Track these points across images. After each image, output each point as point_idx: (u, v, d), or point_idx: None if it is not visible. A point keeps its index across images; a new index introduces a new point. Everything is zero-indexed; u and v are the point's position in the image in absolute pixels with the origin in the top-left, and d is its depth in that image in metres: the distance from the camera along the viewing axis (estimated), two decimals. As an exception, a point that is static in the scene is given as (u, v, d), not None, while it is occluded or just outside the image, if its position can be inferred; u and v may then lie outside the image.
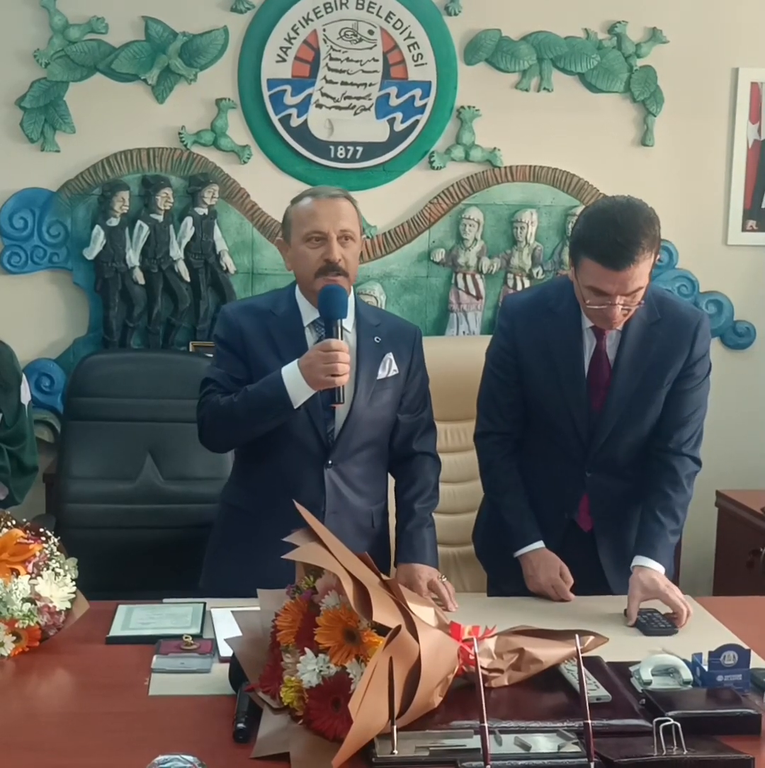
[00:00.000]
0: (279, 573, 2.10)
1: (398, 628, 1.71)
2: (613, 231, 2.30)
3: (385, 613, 1.72)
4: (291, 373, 2.41)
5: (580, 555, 2.58)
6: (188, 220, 3.93)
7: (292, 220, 2.53)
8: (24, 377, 3.01)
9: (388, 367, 2.57)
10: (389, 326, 2.64)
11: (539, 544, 2.57)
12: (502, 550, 2.67)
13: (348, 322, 2.52)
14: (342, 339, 2.41)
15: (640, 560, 2.49)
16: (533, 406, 2.63)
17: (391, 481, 2.73)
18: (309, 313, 2.54)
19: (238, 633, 1.98)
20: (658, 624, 2.32)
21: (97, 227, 3.90)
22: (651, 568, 2.47)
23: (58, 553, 2.19)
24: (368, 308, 2.70)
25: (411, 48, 3.98)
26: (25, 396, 2.98)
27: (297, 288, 2.58)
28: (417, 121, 4.02)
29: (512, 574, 2.62)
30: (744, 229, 4.20)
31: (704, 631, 2.29)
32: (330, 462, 2.53)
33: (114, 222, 3.90)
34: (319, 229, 2.47)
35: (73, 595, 2.16)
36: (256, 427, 2.50)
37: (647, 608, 2.39)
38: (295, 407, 2.42)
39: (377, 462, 2.63)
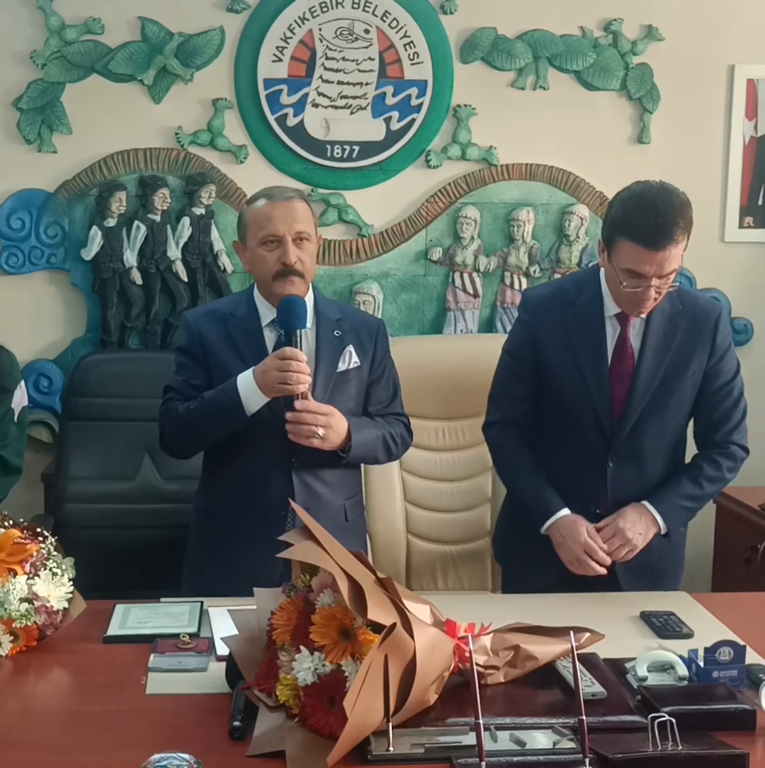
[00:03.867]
0: (256, 572, 2.12)
1: (393, 625, 1.71)
2: (652, 213, 2.35)
3: (380, 611, 1.72)
4: (246, 380, 2.46)
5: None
6: (185, 220, 3.93)
7: (248, 222, 2.56)
8: (22, 383, 3.00)
9: (348, 360, 2.60)
10: (351, 320, 2.67)
11: (563, 512, 2.54)
12: (523, 549, 2.67)
13: (307, 319, 2.55)
14: (301, 349, 2.44)
15: (646, 504, 2.53)
16: (554, 400, 2.62)
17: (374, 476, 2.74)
18: (267, 313, 2.57)
19: (235, 632, 1.99)
20: (674, 628, 2.30)
21: (95, 228, 3.90)
22: (650, 513, 2.52)
23: (55, 552, 2.20)
24: (329, 303, 2.72)
25: (407, 47, 3.98)
26: (19, 401, 2.97)
27: (256, 289, 2.60)
28: (413, 120, 4.02)
29: (533, 573, 2.62)
30: (741, 226, 4.20)
31: (701, 628, 2.29)
32: (294, 460, 2.54)
33: (111, 222, 3.90)
34: (275, 232, 2.49)
35: (71, 595, 2.16)
36: (212, 433, 2.54)
37: (663, 611, 2.38)
38: (249, 414, 2.46)
39: None
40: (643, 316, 2.50)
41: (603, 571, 2.50)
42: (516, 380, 2.66)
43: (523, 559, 2.68)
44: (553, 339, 2.58)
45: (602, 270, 2.54)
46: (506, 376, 2.69)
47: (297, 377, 2.40)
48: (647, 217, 2.36)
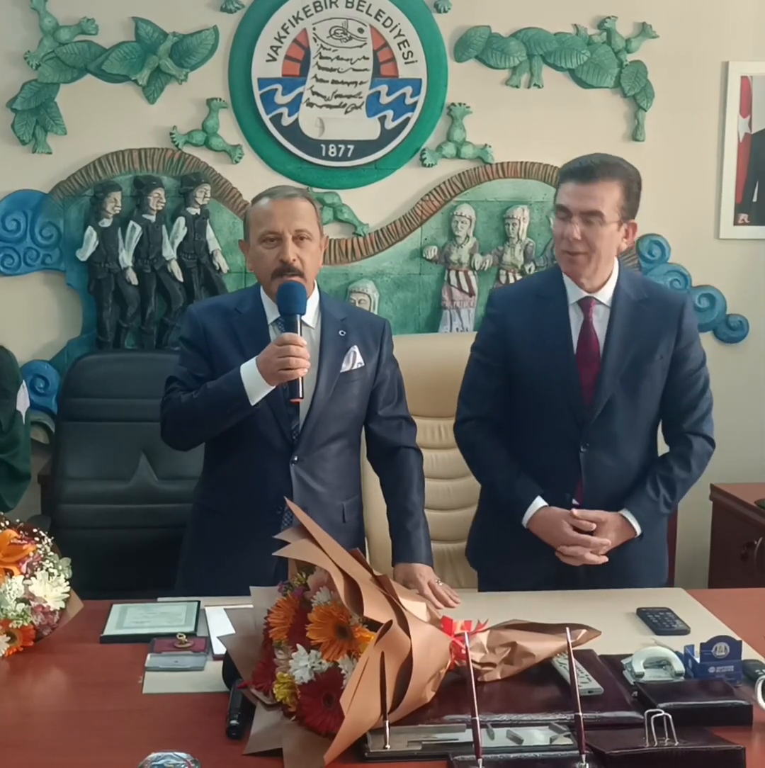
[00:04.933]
0: (252, 570, 2.12)
1: (389, 623, 1.72)
2: (582, 158, 2.58)
3: (376, 609, 1.72)
4: (249, 369, 2.43)
5: None
6: (181, 220, 3.93)
7: (250, 220, 2.55)
8: (24, 384, 3.00)
9: (352, 360, 2.58)
10: (356, 320, 2.66)
11: (537, 503, 2.59)
12: (496, 548, 2.70)
13: (310, 317, 2.55)
14: (300, 334, 2.42)
15: (626, 513, 2.57)
16: (525, 389, 2.65)
17: (374, 476, 2.74)
18: (272, 311, 2.55)
19: (232, 630, 1.99)
20: (670, 624, 2.30)
21: (90, 228, 3.90)
22: (632, 526, 2.56)
23: (51, 553, 2.20)
24: (335, 303, 2.72)
25: (401, 46, 3.98)
26: (23, 403, 2.97)
27: (262, 287, 2.60)
28: (408, 119, 4.02)
29: (508, 571, 2.63)
30: (736, 223, 4.20)
31: (697, 624, 2.30)
32: (295, 458, 2.54)
33: (106, 223, 3.90)
34: (274, 229, 2.48)
35: (67, 595, 2.16)
36: (215, 424, 2.52)
37: (659, 607, 2.39)
38: (253, 403, 2.44)
39: (347, 456, 2.64)
40: (577, 272, 2.56)
41: (602, 559, 2.55)
42: (486, 374, 2.70)
43: (507, 558, 2.68)
44: (521, 329, 2.64)
45: None
46: (476, 371, 2.73)
47: (297, 361, 2.37)
48: (578, 160, 2.58)
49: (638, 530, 2.58)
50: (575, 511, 2.56)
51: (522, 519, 2.60)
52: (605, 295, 2.62)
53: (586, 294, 2.61)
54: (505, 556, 2.67)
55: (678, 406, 2.66)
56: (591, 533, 2.55)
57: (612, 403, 2.59)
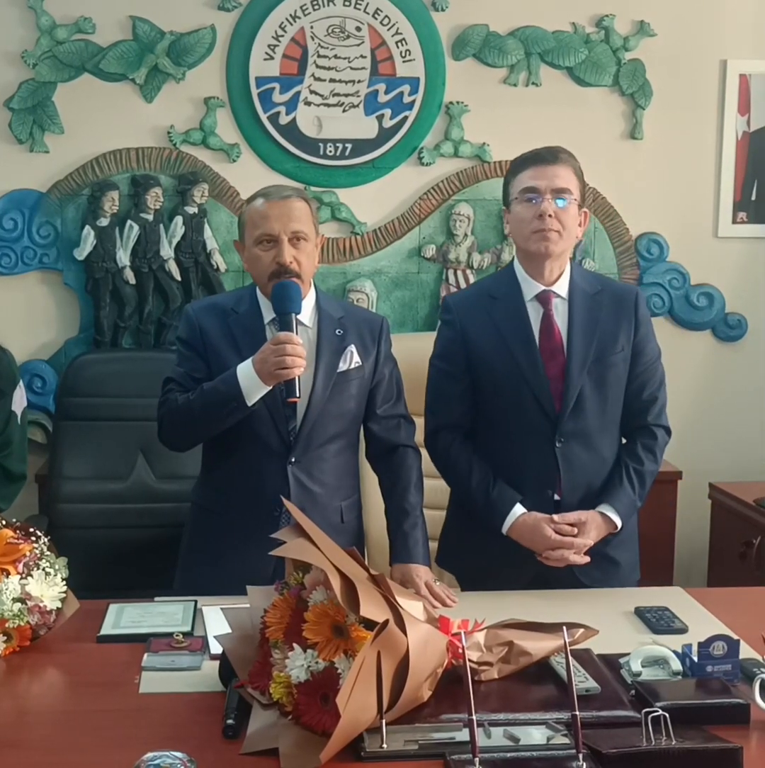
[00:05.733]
0: (250, 570, 2.11)
1: (386, 622, 1.71)
2: (538, 148, 2.62)
3: (372, 608, 1.72)
4: (245, 369, 2.42)
5: None
6: (178, 219, 3.93)
7: (245, 221, 2.53)
8: (21, 384, 2.99)
9: (350, 360, 2.57)
10: (353, 318, 2.64)
11: (516, 510, 2.57)
12: (467, 550, 2.70)
13: (307, 317, 2.55)
14: (297, 333, 2.41)
15: (606, 509, 2.58)
16: (492, 391, 2.64)
17: (372, 476, 2.73)
18: (269, 311, 2.53)
19: (228, 630, 1.98)
20: (668, 623, 2.29)
21: (87, 227, 3.89)
22: (614, 522, 2.57)
23: (48, 552, 2.20)
24: (332, 302, 2.70)
25: (399, 44, 3.98)
26: (20, 403, 2.96)
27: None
28: (406, 118, 4.02)
29: (483, 570, 2.63)
30: (734, 222, 4.20)
31: (695, 622, 2.29)
32: (293, 459, 2.53)
33: (104, 222, 3.90)
34: (270, 231, 2.46)
35: (64, 595, 2.16)
36: (212, 424, 2.50)
37: (657, 606, 2.38)
38: (250, 404, 2.42)
39: (346, 456, 2.63)
40: (551, 250, 2.56)
41: (584, 559, 2.54)
42: (449, 381, 2.68)
43: (484, 562, 2.67)
44: (480, 330, 2.63)
45: (516, 261, 2.65)
46: (438, 380, 2.71)
47: (293, 360, 2.36)
48: (533, 151, 2.62)
49: (619, 524, 2.57)
50: (555, 516, 2.54)
51: (502, 527, 2.57)
52: (562, 288, 2.62)
53: (543, 288, 2.61)
54: (482, 561, 2.65)
55: (640, 398, 2.66)
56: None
57: (582, 395, 2.58)
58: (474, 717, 1.66)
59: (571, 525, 2.54)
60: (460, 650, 1.78)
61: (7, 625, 2.08)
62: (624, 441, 2.70)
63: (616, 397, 2.64)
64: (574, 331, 2.60)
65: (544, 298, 2.61)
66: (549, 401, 2.58)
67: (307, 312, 2.55)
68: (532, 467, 2.61)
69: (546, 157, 2.56)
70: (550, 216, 2.52)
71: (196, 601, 2.36)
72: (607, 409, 2.63)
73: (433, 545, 2.74)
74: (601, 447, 2.63)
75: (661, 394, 2.69)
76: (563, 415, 2.58)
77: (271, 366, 2.37)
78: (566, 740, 1.73)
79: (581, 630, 2.09)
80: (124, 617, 2.28)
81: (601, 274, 2.90)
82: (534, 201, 2.53)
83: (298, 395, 2.42)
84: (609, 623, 2.25)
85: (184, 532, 2.71)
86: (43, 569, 2.15)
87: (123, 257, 3.91)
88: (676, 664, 1.99)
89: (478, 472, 2.63)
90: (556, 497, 2.60)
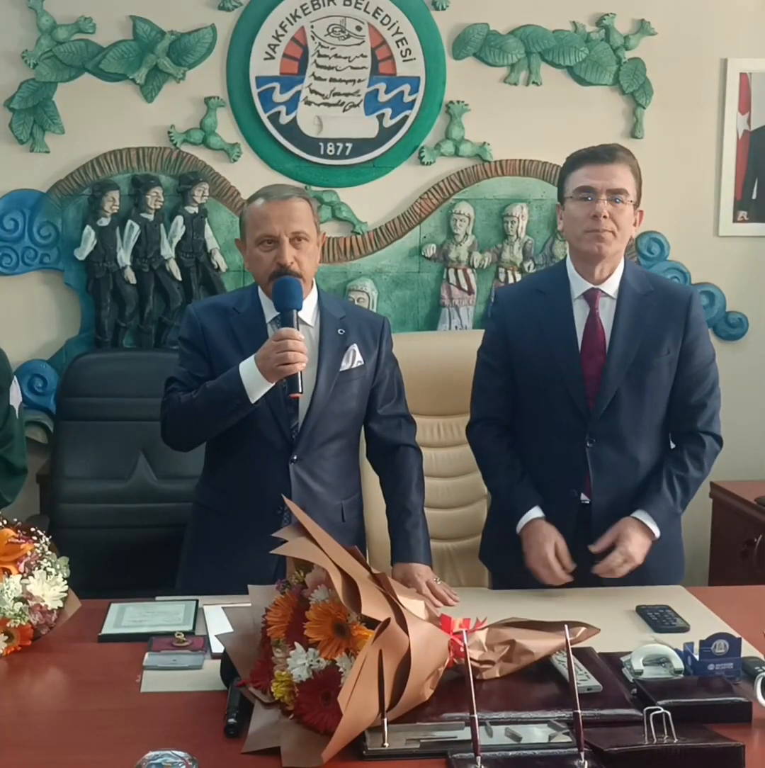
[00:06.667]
0: (252, 570, 2.11)
1: (387, 621, 1.71)
2: (594, 147, 2.59)
3: (374, 607, 1.72)
4: (248, 366, 2.42)
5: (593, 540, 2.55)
6: (179, 219, 3.93)
7: (246, 221, 2.53)
8: (15, 379, 3.00)
9: (352, 359, 2.57)
10: (355, 318, 2.64)
11: (533, 513, 2.57)
12: (506, 548, 2.67)
13: (309, 316, 2.55)
14: (298, 329, 2.41)
15: (641, 515, 2.53)
16: (528, 385, 2.64)
17: (373, 476, 2.74)
18: (271, 309, 2.53)
19: (230, 629, 1.98)
20: (669, 621, 2.29)
21: (88, 227, 3.89)
22: (651, 530, 2.53)
23: (49, 552, 2.20)
24: (334, 301, 2.70)
25: (399, 43, 3.98)
26: (16, 398, 2.97)
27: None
28: (406, 117, 4.01)
29: (518, 570, 2.61)
30: (735, 220, 4.20)
31: (696, 621, 2.29)
32: (295, 457, 2.53)
33: (104, 222, 3.89)
34: (270, 232, 2.46)
35: (65, 594, 2.16)
36: (215, 422, 2.50)
37: (659, 604, 2.38)
38: (253, 401, 2.42)
39: (347, 455, 2.63)
40: (604, 251, 2.53)
41: (567, 579, 2.51)
42: (491, 374, 2.70)
43: (514, 560, 2.67)
44: (523, 326, 2.63)
45: (568, 258, 2.63)
46: (481, 373, 2.73)
47: (295, 356, 2.36)
48: (590, 148, 2.59)
49: (655, 530, 2.53)
50: (591, 547, 2.50)
51: (517, 526, 2.58)
52: (611, 286, 2.60)
53: (591, 286, 2.59)
54: (517, 558, 2.63)
55: (687, 403, 2.62)
56: (612, 547, 2.51)
57: (617, 397, 2.56)
58: (476, 715, 1.66)
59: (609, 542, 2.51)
60: (462, 649, 1.78)
61: (8, 624, 2.09)
62: (672, 446, 2.67)
63: (655, 401, 2.60)
64: (618, 331, 2.57)
65: (590, 296, 2.59)
66: (583, 400, 2.56)
67: (309, 311, 2.55)
68: (561, 466, 2.59)
69: (603, 155, 2.54)
70: (604, 217, 2.49)
71: (197, 601, 2.36)
72: (643, 412, 2.59)
73: (434, 544, 2.75)
74: (635, 450, 2.60)
75: (710, 400, 2.63)
76: (596, 415, 2.56)
77: (274, 362, 2.37)
78: (568, 739, 1.73)
79: (583, 628, 2.09)
80: (125, 617, 2.29)
81: (657, 274, 2.85)
82: (589, 199, 2.51)
83: (300, 390, 2.41)
84: (610, 622, 2.25)
85: (186, 532, 2.71)
86: (45, 569, 2.15)
87: (124, 257, 3.91)
88: (677, 663, 1.99)
89: (507, 468, 2.63)
90: (585, 499, 2.58)
